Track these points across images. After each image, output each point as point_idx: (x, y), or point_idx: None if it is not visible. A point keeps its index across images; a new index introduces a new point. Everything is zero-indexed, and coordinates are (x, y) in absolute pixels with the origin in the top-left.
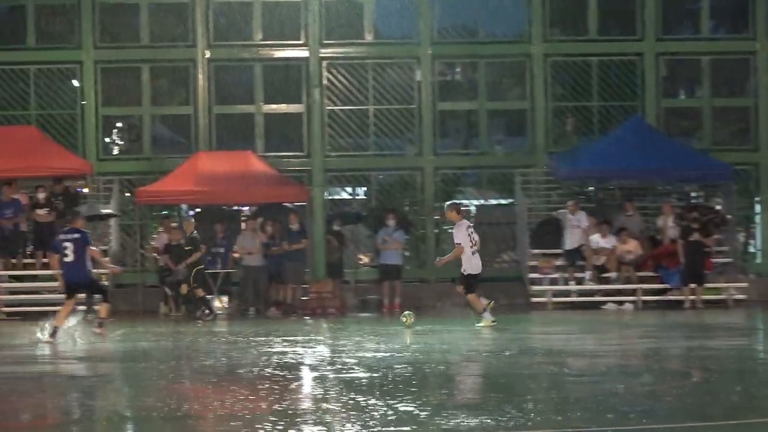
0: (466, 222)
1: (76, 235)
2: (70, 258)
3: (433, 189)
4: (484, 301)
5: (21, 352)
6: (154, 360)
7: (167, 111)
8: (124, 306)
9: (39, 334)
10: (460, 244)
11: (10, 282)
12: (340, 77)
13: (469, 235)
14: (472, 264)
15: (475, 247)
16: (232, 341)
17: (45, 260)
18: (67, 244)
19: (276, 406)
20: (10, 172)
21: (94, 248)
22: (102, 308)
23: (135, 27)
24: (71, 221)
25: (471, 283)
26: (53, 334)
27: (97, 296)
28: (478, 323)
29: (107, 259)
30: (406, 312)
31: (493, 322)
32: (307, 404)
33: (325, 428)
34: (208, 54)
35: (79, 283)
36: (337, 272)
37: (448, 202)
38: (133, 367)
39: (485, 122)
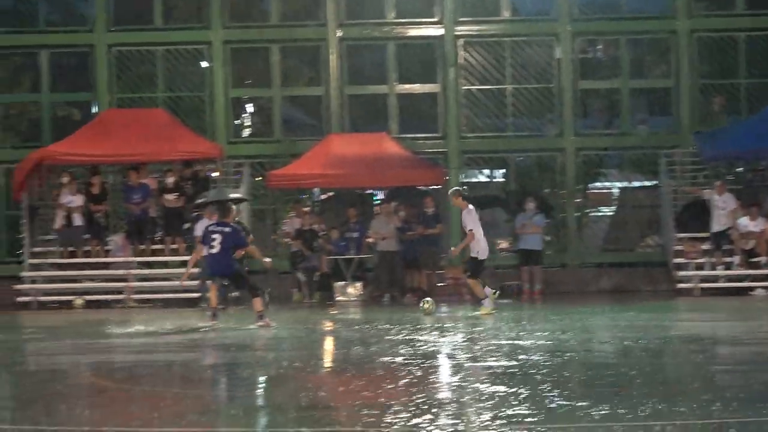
0: (472, 207)
1: (227, 229)
2: (215, 249)
3: (574, 171)
4: (488, 290)
5: (155, 340)
6: (287, 348)
7: (298, 92)
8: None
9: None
10: (471, 230)
11: (139, 268)
12: (476, 55)
13: (478, 221)
14: (482, 248)
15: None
16: (366, 328)
17: (174, 246)
18: (215, 236)
19: (412, 396)
20: (138, 157)
21: (251, 247)
22: (255, 303)
23: (265, 6)
24: (225, 215)
25: (478, 267)
26: (214, 316)
27: (241, 290)
28: (476, 311)
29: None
30: (427, 299)
31: (494, 310)
32: (443, 394)
33: (462, 418)
34: (339, 33)
35: (221, 276)
36: None
37: (452, 189)
38: (265, 356)
39: (628, 101)
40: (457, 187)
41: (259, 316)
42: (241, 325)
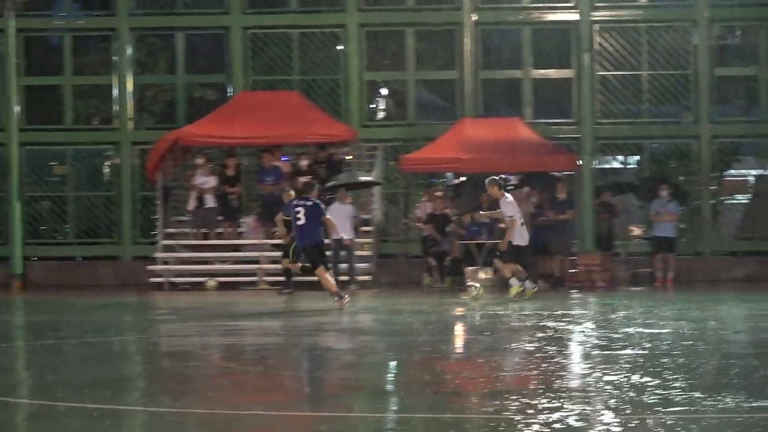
0: (509, 195)
1: (309, 203)
2: (302, 222)
3: (710, 158)
4: (528, 284)
5: (286, 323)
6: (418, 333)
7: (432, 76)
8: (387, 276)
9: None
10: (512, 217)
11: (271, 251)
12: (612, 41)
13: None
14: (520, 235)
15: (522, 219)
16: (498, 314)
17: None
18: (299, 209)
19: (540, 383)
20: (273, 139)
21: (328, 217)
22: (326, 281)
23: None
24: (306, 192)
25: (512, 253)
26: (341, 297)
27: (306, 265)
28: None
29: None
30: (476, 284)
31: (519, 294)
32: (575, 381)
33: (590, 406)
34: (474, 17)
35: (308, 247)
36: (607, 244)
37: (488, 179)
38: (395, 341)
39: (766, 88)
40: (493, 177)
41: (337, 294)
42: (369, 310)
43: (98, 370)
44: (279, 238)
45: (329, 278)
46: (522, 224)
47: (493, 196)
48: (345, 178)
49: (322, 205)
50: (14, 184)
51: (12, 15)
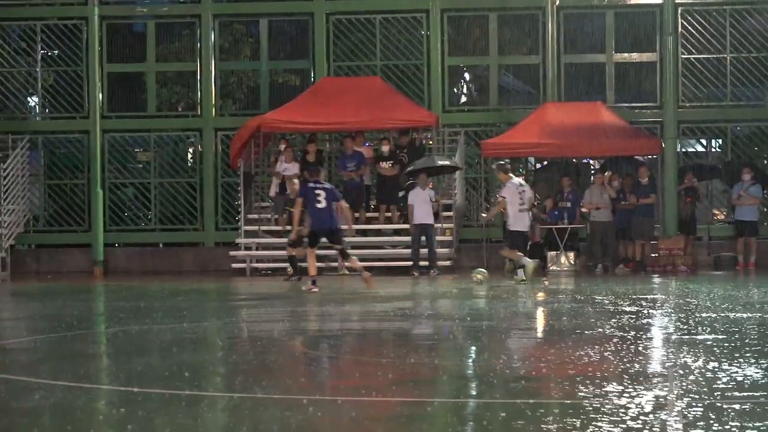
0: (516, 181)
1: (327, 186)
2: (322, 204)
3: None
4: (521, 272)
5: (366, 308)
6: (499, 318)
7: (514, 60)
8: (468, 262)
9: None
10: (504, 198)
11: (353, 236)
12: (695, 24)
13: (519, 193)
14: (518, 221)
15: (525, 206)
16: (579, 299)
17: (388, 214)
18: (319, 191)
19: (619, 368)
20: (355, 125)
21: (343, 203)
22: (352, 261)
23: None
24: (314, 174)
25: (513, 238)
26: (314, 284)
27: (337, 247)
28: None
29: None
30: (480, 269)
31: (523, 281)
32: (654, 366)
33: (670, 391)
34: (557, 1)
35: (326, 230)
36: (690, 228)
37: (495, 164)
38: (476, 326)
39: None
40: (500, 161)
41: (360, 272)
42: (450, 295)
43: (181, 357)
44: (286, 225)
45: (313, 262)
46: (520, 210)
47: (500, 181)
48: (423, 163)
49: (336, 190)
50: (97, 171)
51: (95, 2)
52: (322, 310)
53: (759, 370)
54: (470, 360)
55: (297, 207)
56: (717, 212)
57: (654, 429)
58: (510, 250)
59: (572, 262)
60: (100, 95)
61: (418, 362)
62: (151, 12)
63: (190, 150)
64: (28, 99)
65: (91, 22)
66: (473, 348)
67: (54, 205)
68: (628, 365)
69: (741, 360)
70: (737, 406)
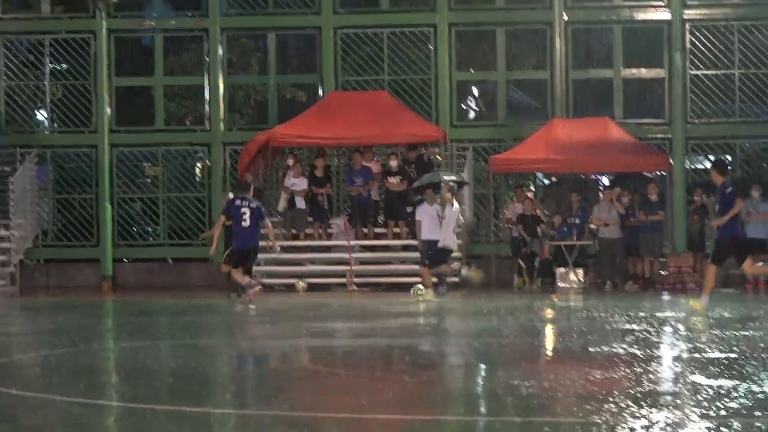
0: (456, 204)
1: (253, 204)
2: (246, 223)
3: None
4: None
5: (374, 324)
6: (507, 335)
7: (522, 76)
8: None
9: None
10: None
11: (361, 252)
12: (703, 40)
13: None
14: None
15: (453, 223)
16: (588, 316)
17: (396, 230)
18: (245, 210)
19: (629, 387)
20: (362, 139)
21: (268, 222)
22: (243, 277)
23: None
24: (243, 190)
25: (433, 256)
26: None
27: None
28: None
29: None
30: (420, 287)
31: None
32: (664, 385)
33: (679, 411)
34: (565, 17)
35: (249, 250)
36: (699, 245)
37: (443, 183)
38: (485, 343)
39: None
40: (448, 181)
41: (246, 287)
42: (459, 311)
43: (189, 372)
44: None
45: (241, 276)
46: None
47: (444, 201)
48: (429, 178)
49: (263, 209)
50: (105, 186)
51: (103, 16)
52: (331, 327)
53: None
54: (481, 377)
55: (218, 225)
56: None
57: None
58: (426, 270)
59: (581, 279)
60: (108, 109)
61: (425, 379)
62: (158, 25)
63: (198, 164)
64: (37, 113)
65: (99, 35)
66: (482, 366)
67: (62, 220)
68: (638, 383)
69: (753, 378)
70: (758, 424)
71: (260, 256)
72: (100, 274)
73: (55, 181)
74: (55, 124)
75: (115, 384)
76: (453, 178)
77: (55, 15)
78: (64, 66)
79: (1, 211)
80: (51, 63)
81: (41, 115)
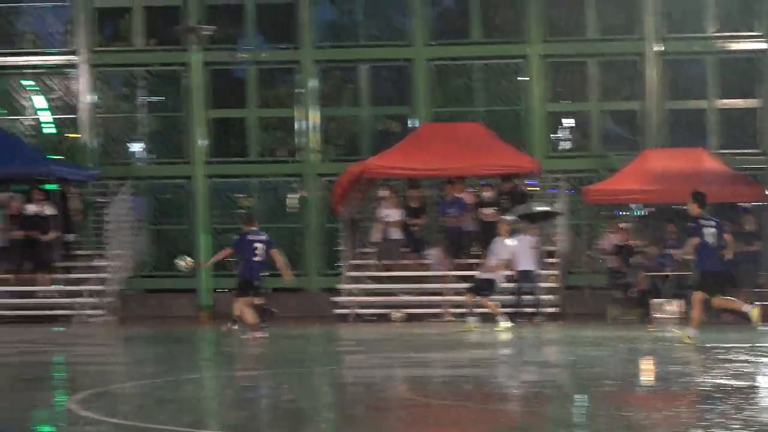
0: (515, 240)
1: (263, 237)
2: (259, 258)
3: None
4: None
5: (470, 355)
6: (603, 366)
7: (615, 106)
8: (571, 308)
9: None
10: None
11: (456, 282)
12: None
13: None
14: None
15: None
16: (684, 347)
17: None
18: (257, 244)
19: (727, 417)
20: (456, 171)
21: (276, 251)
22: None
23: (583, 20)
24: (249, 222)
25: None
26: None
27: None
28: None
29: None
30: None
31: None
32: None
33: None
34: (658, 47)
35: (254, 281)
36: None
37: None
38: (580, 374)
39: None
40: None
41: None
42: (556, 342)
43: (288, 401)
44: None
45: (253, 316)
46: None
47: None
48: (522, 210)
49: (273, 240)
50: (200, 216)
51: (198, 49)
52: (424, 356)
53: None
54: (578, 408)
55: (219, 255)
56: None
57: None
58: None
59: (680, 310)
60: (203, 141)
61: (522, 409)
62: (251, 58)
63: (292, 195)
64: (130, 144)
65: (193, 67)
66: (577, 397)
67: (159, 250)
68: (733, 415)
69: None
70: None
71: (354, 285)
72: (197, 304)
73: (150, 212)
74: (150, 156)
75: (213, 413)
76: (547, 208)
77: (148, 47)
78: (158, 98)
79: (97, 242)
80: (144, 95)
81: (136, 146)
